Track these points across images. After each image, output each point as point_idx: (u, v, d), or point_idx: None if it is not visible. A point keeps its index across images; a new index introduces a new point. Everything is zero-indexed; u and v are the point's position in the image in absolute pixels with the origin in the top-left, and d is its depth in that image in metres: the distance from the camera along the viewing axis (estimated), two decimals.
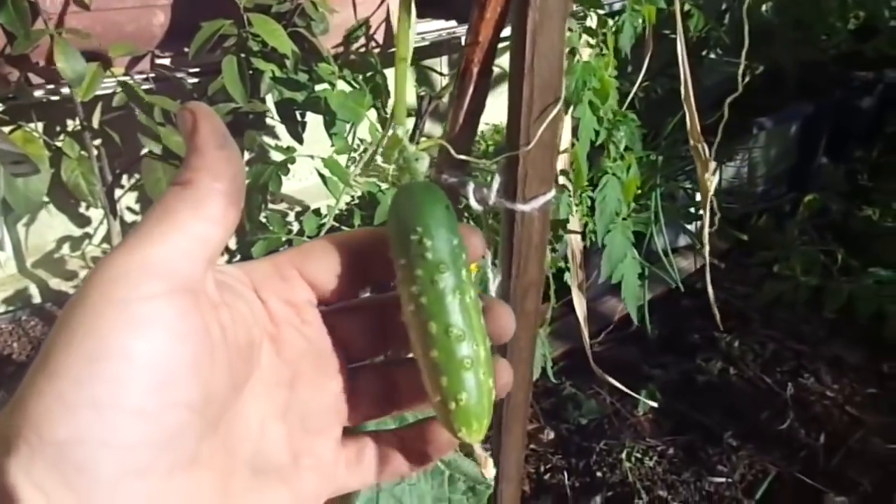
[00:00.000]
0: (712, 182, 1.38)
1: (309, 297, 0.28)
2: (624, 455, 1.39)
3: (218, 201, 0.23)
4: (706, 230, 1.24)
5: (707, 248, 1.28)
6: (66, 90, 0.89)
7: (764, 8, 2.17)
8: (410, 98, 1.34)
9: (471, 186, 0.40)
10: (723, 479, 1.37)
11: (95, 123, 0.93)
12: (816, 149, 2.15)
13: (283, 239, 0.93)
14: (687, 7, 1.88)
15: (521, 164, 0.39)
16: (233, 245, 1.41)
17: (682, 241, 1.85)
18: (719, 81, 2.14)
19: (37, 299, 1.21)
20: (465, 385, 0.31)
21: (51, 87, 0.91)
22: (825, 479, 1.36)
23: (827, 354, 1.64)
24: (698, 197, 1.68)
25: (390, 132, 0.38)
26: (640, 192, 1.39)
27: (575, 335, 1.61)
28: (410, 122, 1.35)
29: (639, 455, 1.41)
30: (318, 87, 1.00)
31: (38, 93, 0.91)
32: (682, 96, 1.17)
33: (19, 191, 0.89)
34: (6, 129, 0.92)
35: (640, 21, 0.96)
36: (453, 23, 1.34)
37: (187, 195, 0.23)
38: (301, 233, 1.04)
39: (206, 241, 0.23)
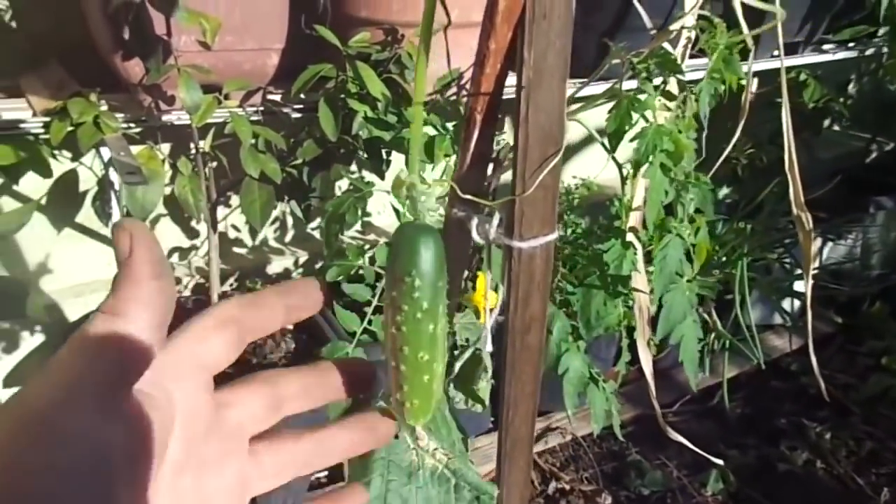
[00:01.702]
0: (814, 255, 1.34)
1: (205, 385, 0.29)
2: None
3: (145, 332, 0.24)
4: (808, 305, 1.20)
5: (809, 324, 1.24)
6: (187, 117, 1.02)
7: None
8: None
9: (474, 221, 0.45)
10: None
11: (207, 147, 1.06)
12: None
13: (357, 265, 1.02)
14: (803, 76, 1.84)
15: (517, 204, 0.43)
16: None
17: (778, 318, 1.76)
18: (838, 155, 2.05)
19: None
20: (421, 394, 0.41)
21: (176, 113, 1.05)
22: None
23: None
24: (798, 271, 1.61)
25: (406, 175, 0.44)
26: (724, 259, 1.36)
27: (646, 401, 1.57)
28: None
29: None
30: (406, 131, 1.09)
31: (165, 117, 1.05)
32: (786, 165, 1.17)
33: (138, 200, 1.03)
34: (137, 147, 1.07)
35: (723, 88, 0.98)
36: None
37: (117, 325, 0.24)
38: (373, 261, 1.12)
39: (130, 369, 0.24)
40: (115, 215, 1.26)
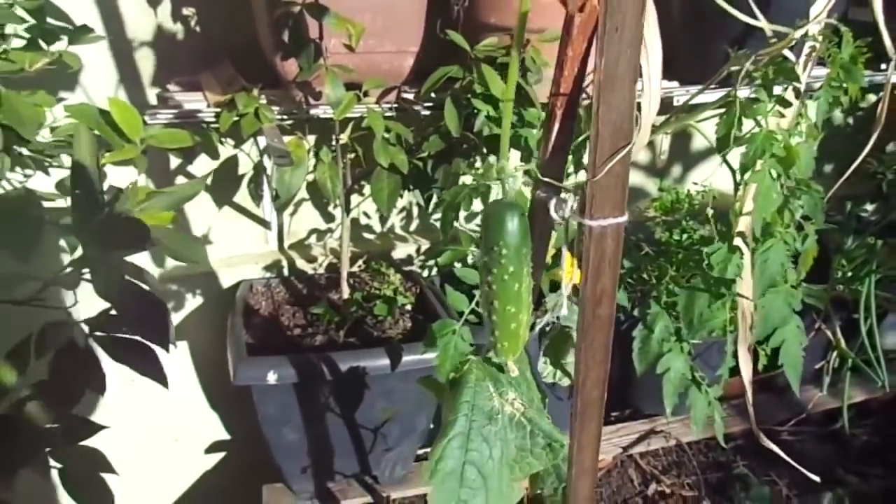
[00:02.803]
0: None
1: None
2: None
3: None
4: None
5: None
6: (330, 111, 1.18)
7: None
8: None
9: (553, 202, 0.54)
10: None
11: (346, 138, 1.21)
12: None
13: (468, 250, 1.13)
14: None
15: (589, 188, 0.51)
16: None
17: None
18: None
19: (285, 272, 1.55)
20: (509, 338, 0.52)
21: (322, 108, 1.21)
22: None
23: None
24: None
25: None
26: (850, 275, 1.33)
27: (758, 414, 1.55)
28: None
29: None
30: (523, 129, 1.18)
31: (313, 111, 1.21)
32: None
33: (285, 182, 1.20)
34: (287, 137, 1.25)
35: (845, 96, 0.98)
36: (675, 84, 1.43)
37: None
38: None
39: None
40: (266, 196, 1.45)
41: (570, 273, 0.65)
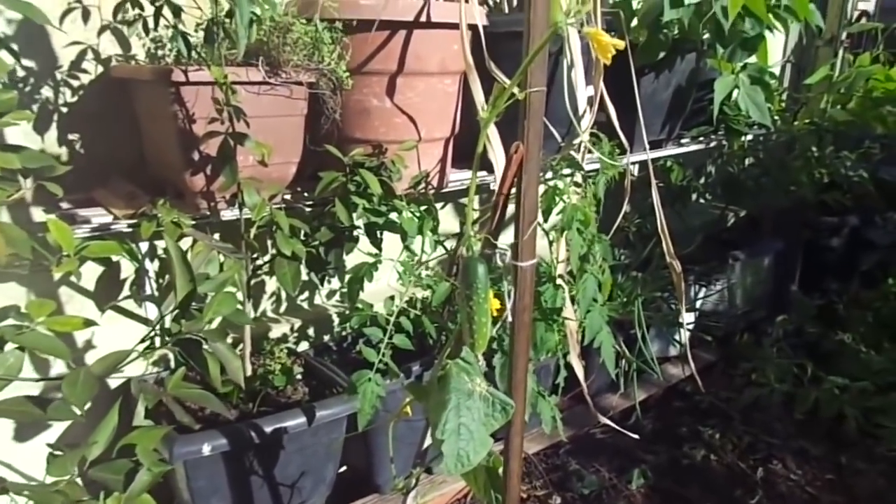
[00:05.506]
0: (692, 299, 1.93)
1: None
2: None
3: None
4: (685, 329, 1.78)
5: (686, 341, 1.82)
6: (229, 214, 1.48)
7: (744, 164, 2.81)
8: (455, 224, 1.95)
9: (497, 255, 0.96)
10: None
11: (252, 235, 1.51)
12: (791, 279, 2.70)
13: (369, 314, 1.50)
14: (669, 163, 2.52)
15: (519, 245, 0.95)
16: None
17: (673, 351, 2.36)
18: (704, 222, 2.75)
19: (172, 364, 1.74)
20: (482, 338, 0.92)
21: (226, 212, 1.50)
22: None
23: (794, 447, 2.09)
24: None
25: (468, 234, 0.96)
26: (626, 300, 1.93)
27: (580, 422, 2.09)
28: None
29: None
30: (392, 215, 1.60)
31: (227, 215, 1.50)
32: (659, 228, 1.76)
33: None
34: (188, 240, 1.51)
35: (612, 177, 1.57)
36: (484, 173, 1.96)
37: None
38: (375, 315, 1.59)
39: None
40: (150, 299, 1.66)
41: (496, 303, 1.07)
